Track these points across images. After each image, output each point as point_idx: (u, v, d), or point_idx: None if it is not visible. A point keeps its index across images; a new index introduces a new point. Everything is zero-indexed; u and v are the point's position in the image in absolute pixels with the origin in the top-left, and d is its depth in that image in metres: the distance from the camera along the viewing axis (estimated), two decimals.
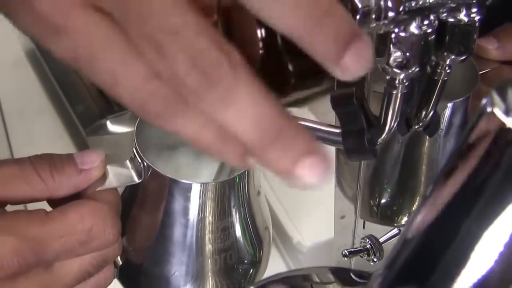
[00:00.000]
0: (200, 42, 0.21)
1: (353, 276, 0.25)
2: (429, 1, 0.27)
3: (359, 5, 0.25)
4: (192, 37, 0.21)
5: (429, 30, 0.28)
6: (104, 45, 0.22)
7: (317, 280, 0.26)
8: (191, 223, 0.37)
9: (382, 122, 0.32)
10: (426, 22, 0.28)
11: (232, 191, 0.36)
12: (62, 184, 0.33)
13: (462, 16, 0.29)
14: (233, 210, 0.37)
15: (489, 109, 0.18)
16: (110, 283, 0.36)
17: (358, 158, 0.35)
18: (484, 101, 0.19)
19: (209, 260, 0.38)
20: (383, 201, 0.43)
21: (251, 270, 0.41)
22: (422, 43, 0.28)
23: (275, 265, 0.45)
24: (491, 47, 0.41)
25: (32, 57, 0.88)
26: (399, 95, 0.31)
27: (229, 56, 0.22)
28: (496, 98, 0.18)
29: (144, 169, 0.35)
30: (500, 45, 0.41)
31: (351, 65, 0.21)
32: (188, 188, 0.35)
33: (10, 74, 0.87)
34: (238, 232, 0.38)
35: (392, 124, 0.32)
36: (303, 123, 0.35)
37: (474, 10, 0.28)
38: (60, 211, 0.32)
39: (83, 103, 0.74)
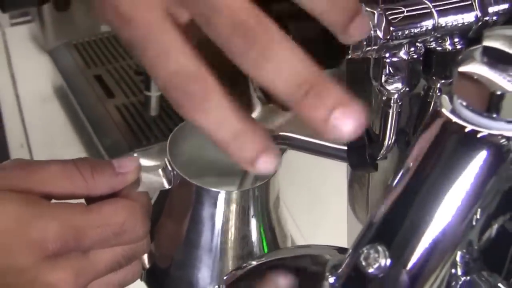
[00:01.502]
0: (241, 15, 0.27)
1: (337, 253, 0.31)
2: (415, 32, 0.34)
3: None
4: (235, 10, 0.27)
5: (415, 56, 0.35)
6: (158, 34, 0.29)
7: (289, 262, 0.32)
8: (215, 229, 0.43)
9: (381, 139, 0.39)
10: (413, 49, 0.35)
11: (253, 200, 0.43)
12: (100, 184, 0.40)
13: (447, 45, 0.36)
14: (253, 219, 0.44)
15: (438, 109, 0.24)
16: (136, 278, 0.42)
17: (361, 171, 0.42)
18: (437, 104, 0.26)
19: (230, 265, 0.45)
20: None
21: None
22: (411, 66, 0.35)
23: None
24: None
25: (60, 93, 0.97)
26: (395, 113, 0.37)
27: (266, 24, 0.27)
28: (445, 101, 0.24)
29: (174, 177, 0.42)
30: None
31: (353, 33, 0.28)
32: (213, 196, 0.42)
33: (39, 109, 0.96)
34: (257, 240, 0.45)
35: (390, 140, 0.39)
36: (310, 140, 0.42)
37: (456, 40, 0.35)
38: (98, 205, 0.39)
39: (111, 137, 0.82)
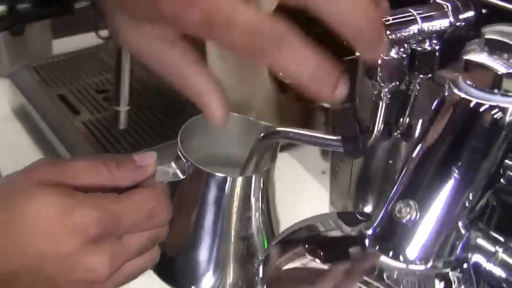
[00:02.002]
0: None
1: (358, 216, 0.36)
2: (403, 35, 0.41)
3: None
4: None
5: (404, 55, 0.42)
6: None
7: (322, 229, 0.37)
8: (221, 211, 0.48)
9: (371, 129, 0.46)
10: (402, 49, 0.42)
11: (255, 185, 0.48)
12: (124, 176, 0.45)
13: (427, 46, 0.43)
14: (256, 203, 0.49)
15: (449, 91, 0.31)
16: (156, 262, 0.47)
17: (354, 157, 0.48)
18: (446, 87, 0.32)
19: (234, 246, 0.50)
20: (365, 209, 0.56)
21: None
22: (399, 65, 0.42)
23: None
24: None
25: (20, 114, 0.99)
26: (384, 105, 0.44)
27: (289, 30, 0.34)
28: (453, 84, 0.31)
29: (188, 167, 0.47)
30: None
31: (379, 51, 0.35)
32: (221, 181, 0.47)
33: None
34: (258, 223, 0.50)
35: (379, 129, 0.46)
36: (305, 132, 0.48)
37: (434, 41, 0.43)
38: (128, 194, 0.44)
39: (82, 151, 0.85)
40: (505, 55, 0.31)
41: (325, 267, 0.34)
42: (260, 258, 0.52)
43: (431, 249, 0.32)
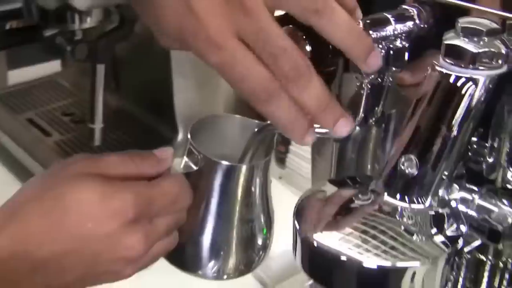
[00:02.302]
0: (295, 55, 0.42)
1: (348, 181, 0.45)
2: (381, 35, 0.50)
3: None
4: (292, 52, 0.42)
5: (383, 52, 0.51)
6: (242, 59, 0.42)
7: (335, 188, 0.45)
8: (228, 198, 0.56)
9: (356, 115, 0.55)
10: (380, 46, 0.51)
11: (257, 174, 0.56)
12: (148, 168, 0.52)
13: (398, 44, 0.52)
14: (256, 189, 0.57)
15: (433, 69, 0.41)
16: (175, 244, 0.54)
17: (340, 141, 0.57)
18: (429, 68, 0.42)
19: (238, 230, 0.57)
20: None
21: (267, 241, 0.59)
22: None
23: None
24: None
25: None
26: (365, 94, 0.53)
27: (308, 63, 0.43)
28: (437, 62, 0.41)
29: (200, 160, 0.54)
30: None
31: (371, 64, 0.44)
32: (229, 170, 0.54)
33: None
34: (258, 209, 0.58)
35: (361, 115, 0.54)
36: None
37: (404, 40, 0.52)
38: (156, 181, 0.51)
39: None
40: (475, 39, 0.40)
41: (348, 206, 0.42)
42: (260, 242, 0.59)
43: (427, 193, 0.41)
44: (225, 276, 0.59)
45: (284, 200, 0.59)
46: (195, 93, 0.97)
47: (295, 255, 0.44)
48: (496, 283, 0.52)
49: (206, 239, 0.57)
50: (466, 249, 0.45)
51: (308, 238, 0.41)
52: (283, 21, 0.47)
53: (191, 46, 0.43)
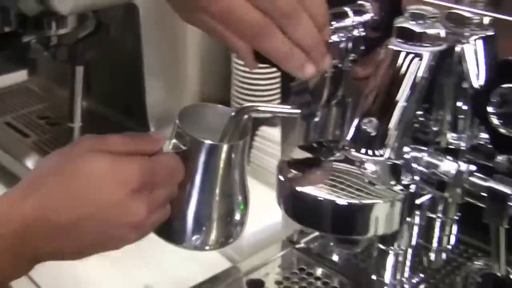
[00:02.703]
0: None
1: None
2: (341, 25, 0.60)
3: None
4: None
5: (343, 39, 0.60)
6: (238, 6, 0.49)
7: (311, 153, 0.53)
8: (213, 174, 0.63)
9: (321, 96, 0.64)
10: (341, 35, 0.60)
11: (237, 152, 0.64)
12: (145, 145, 0.59)
13: (355, 33, 0.61)
14: (236, 168, 0.64)
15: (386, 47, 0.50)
16: (168, 215, 0.61)
17: (308, 120, 0.66)
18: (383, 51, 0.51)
19: (220, 204, 0.65)
20: None
21: (244, 217, 0.67)
22: (339, 47, 0.60)
23: None
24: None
25: None
26: (329, 78, 0.62)
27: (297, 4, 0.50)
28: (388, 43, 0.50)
29: (187, 140, 0.62)
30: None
31: (306, 73, 0.53)
32: (214, 148, 0.62)
33: None
34: (237, 186, 0.66)
35: (325, 98, 0.63)
36: (271, 106, 0.65)
37: (361, 30, 0.62)
38: (156, 156, 0.58)
39: None
40: (420, 21, 0.50)
41: (324, 163, 0.51)
42: (238, 217, 0.66)
43: (385, 148, 0.50)
44: (207, 247, 0.66)
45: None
46: (165, 94, 1.05)
47: (280, 204, 0.52)
48: (445, 238, 0.62)
49: (191, 213, 0.64)
50: (418, 201, 0.55)
51: (292, 188, 0.49)
52: None
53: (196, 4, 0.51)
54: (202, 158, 0.63)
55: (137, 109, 1.03)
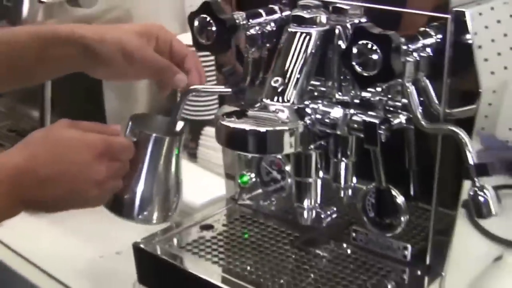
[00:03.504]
0: None
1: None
2: (258, 22, 0.83)
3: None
4: None
5: (259, 33, 0.83)
6: None
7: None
8: (154, 160, 0.83)
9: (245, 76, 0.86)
10: (258, 29, 0.83)
11: (173, 145, 0.84)
12: (106, 132, 0.80)
13: (268, 28, 0.85)
14: (173, 157, 0.83)
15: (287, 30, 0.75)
16: (119, 188, 0.80)
17: (239, 95, 0.88)
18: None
19: (161, 186, 0.84)
20: None
21: (178, 195, 0.86)
22: (257, 38, 0.83)
23: None
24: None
25: None
26: (250, 62, 0.85)
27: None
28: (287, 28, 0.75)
29: (137, 134, 0.82)
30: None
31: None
32: (158, 140, 0.82)
33: None
34: (173, 172, 0.85)
35: (249, 78, 0.86)
36: (211, 86, 0.88)
37: (272, 25, 0.85)
38: (112, 136, 0.79)
39: None
40: (309, 10, 0.74)
41: (248, 112, 0.74)
42: (174, 196, 0.87)
43: (291, 98, 0.73)
44: (154, 221, 0.86)
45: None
46: (121, 103, 1.26)
47: (219, 139, 0.74)
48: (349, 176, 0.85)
49: (139, 192, 0.83)
50: (312, 146, 0.77)
51: (226, 126, 0.72)
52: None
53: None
54: (148, 147, 0.83)
55: (97, 117, 1.23)
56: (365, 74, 0.69)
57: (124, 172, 0.81)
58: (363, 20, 0.77)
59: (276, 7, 0.85)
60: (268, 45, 0.85)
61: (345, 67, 0.72)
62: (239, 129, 0.70)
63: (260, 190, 0.95)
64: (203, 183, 1.12)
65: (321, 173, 0.82)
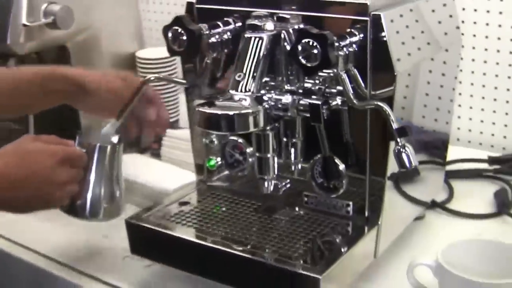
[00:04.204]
0: None
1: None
2: (216, 31, 1.03)
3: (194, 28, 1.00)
4: None
5: (218, 40, 1.04)
6: None
7: None
8: (102, 167, 1.03)
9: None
10: (217, 37, 1.04)
11: (114, 152, 1.04)
12: (63, 143, 1.00)
13: (225, 36, 1.05)
14: (115, 163, 1.05)
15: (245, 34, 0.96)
16: (75, 191, 1.01)
17: (197, 93, 1.09)
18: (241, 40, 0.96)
19: (107, 188, 1.04)
20: None
21: (122, 196, 1.07)
22: (216, 43, 1.04)
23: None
24: None
25: None
26: (210, 64, 1.05)
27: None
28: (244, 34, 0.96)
29: (86, 145, 1.02)
30: None
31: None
32: (103, 149, 1.02)
33: None
34: (118, 176, 1.06)
35: (209, 78, 1.07)
36: (171, 78, 1.09)
37: (228, 35, 1.05)
38: (72, 147, 1.01)
39: None
40: (260, 20, 0.95)
41: (217, 101, 0.94)
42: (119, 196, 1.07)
43: (251, 89, 0.94)
44: (105, 218, 1.06)
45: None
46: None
47: (197, 123, 0.94)
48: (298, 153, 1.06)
49: (89, 195, 1.03)
50: (269, 127, 0.98)
51: (201, 111, 0.92)
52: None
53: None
54: (95, 155, 1.04)
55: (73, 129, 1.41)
56: (309, 65, 0.90)
57: (80, 178, 1.01)
58: (301, 26, 0.99)
59: (230, 20, 1.06)
60: (225, 50, 1.06)
61: (293, 60, 0.93)
62: (214, 113, 0.90)
63: (225, 172, 1.15)
64: (172, 174, 1.31)
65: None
